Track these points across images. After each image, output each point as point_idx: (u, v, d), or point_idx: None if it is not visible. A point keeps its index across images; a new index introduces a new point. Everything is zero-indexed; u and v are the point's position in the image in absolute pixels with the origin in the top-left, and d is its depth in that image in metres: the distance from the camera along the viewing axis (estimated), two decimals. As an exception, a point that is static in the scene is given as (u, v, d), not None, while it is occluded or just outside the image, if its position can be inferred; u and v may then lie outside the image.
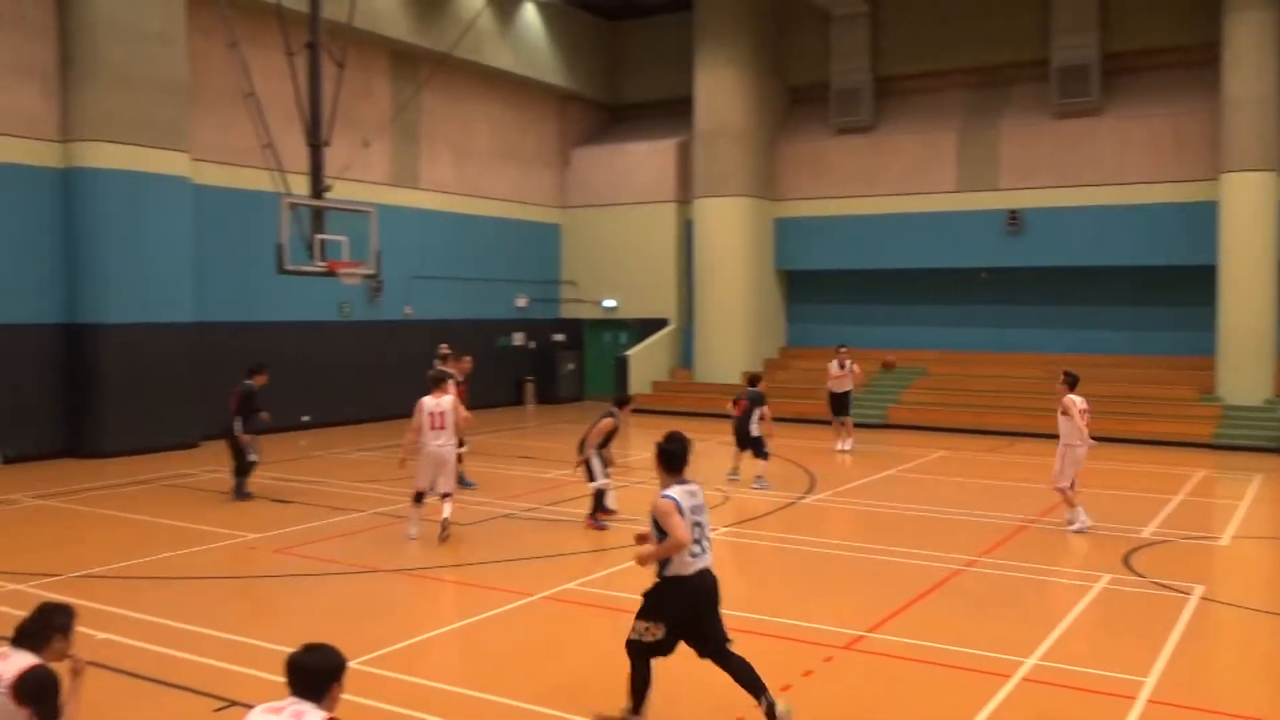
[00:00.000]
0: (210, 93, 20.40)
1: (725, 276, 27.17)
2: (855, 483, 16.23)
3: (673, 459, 6.50)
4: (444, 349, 16.82)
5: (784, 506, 14.38)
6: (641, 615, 6.55)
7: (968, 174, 25.86)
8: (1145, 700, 7.16)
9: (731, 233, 27.16)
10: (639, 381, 27.22)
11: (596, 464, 12.74)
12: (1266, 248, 21.90)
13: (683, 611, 6.51)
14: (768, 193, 27.98)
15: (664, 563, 6.36)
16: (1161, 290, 24.36)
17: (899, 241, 26.33)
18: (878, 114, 27.22)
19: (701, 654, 6.61)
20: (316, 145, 18.54)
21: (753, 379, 16.65)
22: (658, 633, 6.48)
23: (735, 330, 27.36)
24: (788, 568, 11.42)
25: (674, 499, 6.29)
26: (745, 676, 6.50)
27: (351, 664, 5.16)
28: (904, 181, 26.47)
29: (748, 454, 16.02)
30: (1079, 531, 12.56)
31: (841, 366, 19.97)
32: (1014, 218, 24.98)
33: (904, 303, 27.29)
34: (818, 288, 28.56)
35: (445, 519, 11.77)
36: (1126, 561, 11.22)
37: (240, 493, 14.47)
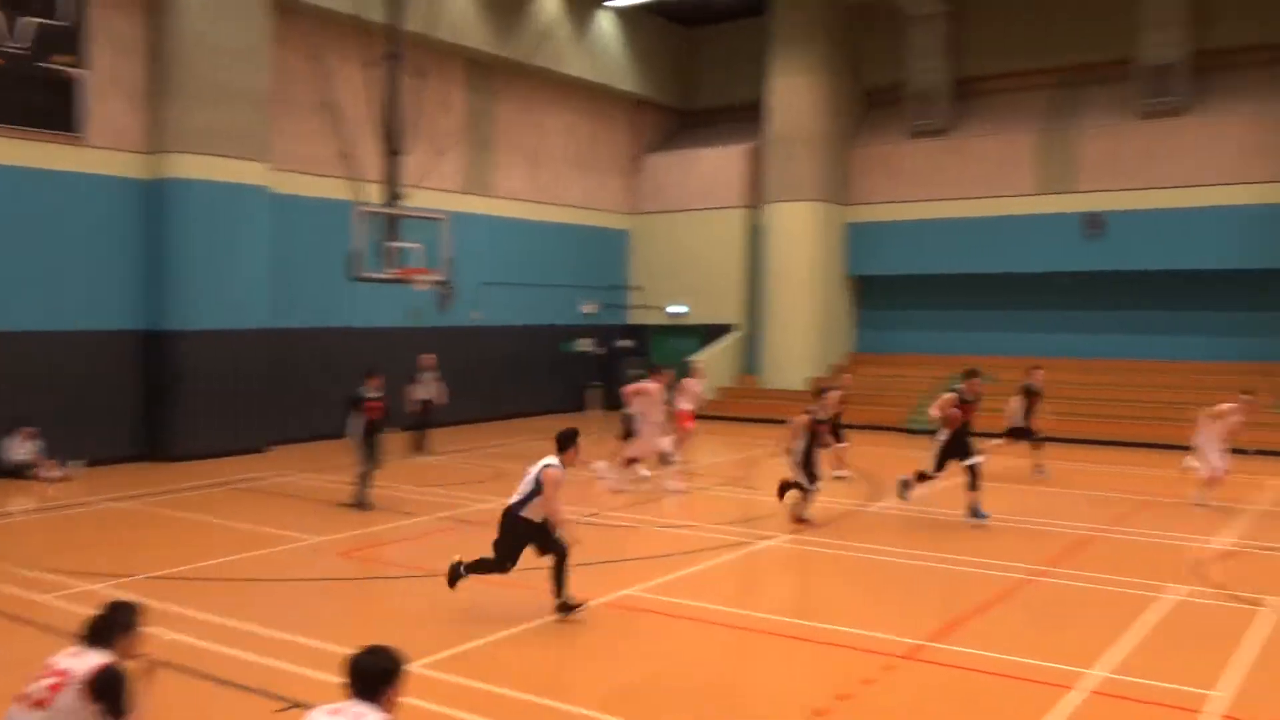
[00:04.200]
0: (291, 103, 20.90)
1: (795, 282, 27.05)
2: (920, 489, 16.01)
3: None
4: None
5: (846, 513, 14.27)
6: None
7: (1047, 176, 25.38)
8: (1215, 715, 7.00)
9: (802, 238, 27.03)
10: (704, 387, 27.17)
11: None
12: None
13: None
14: (840, 197, 27.78)
15: None
16: (1247, 295, 23.64)
17: (974, 246, 25.93)
18: (954, 116, 26.86)
19: None
20: (393, 154, 18.96)
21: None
22: None
23: (804, 336, 27.22)
24: (849, 575, 11.34)
25: None
26: None
27: (412, 666, 5.27)
28: (980, 184, 26.07)
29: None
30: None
31: None
32: (1094, 221, 24.44)
33: (978, 308, 26.86)
34: (890, 293, 28.26)
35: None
36: (1199, 572, 10.94)
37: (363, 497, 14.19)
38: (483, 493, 15.55)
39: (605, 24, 27.93)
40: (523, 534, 9.08)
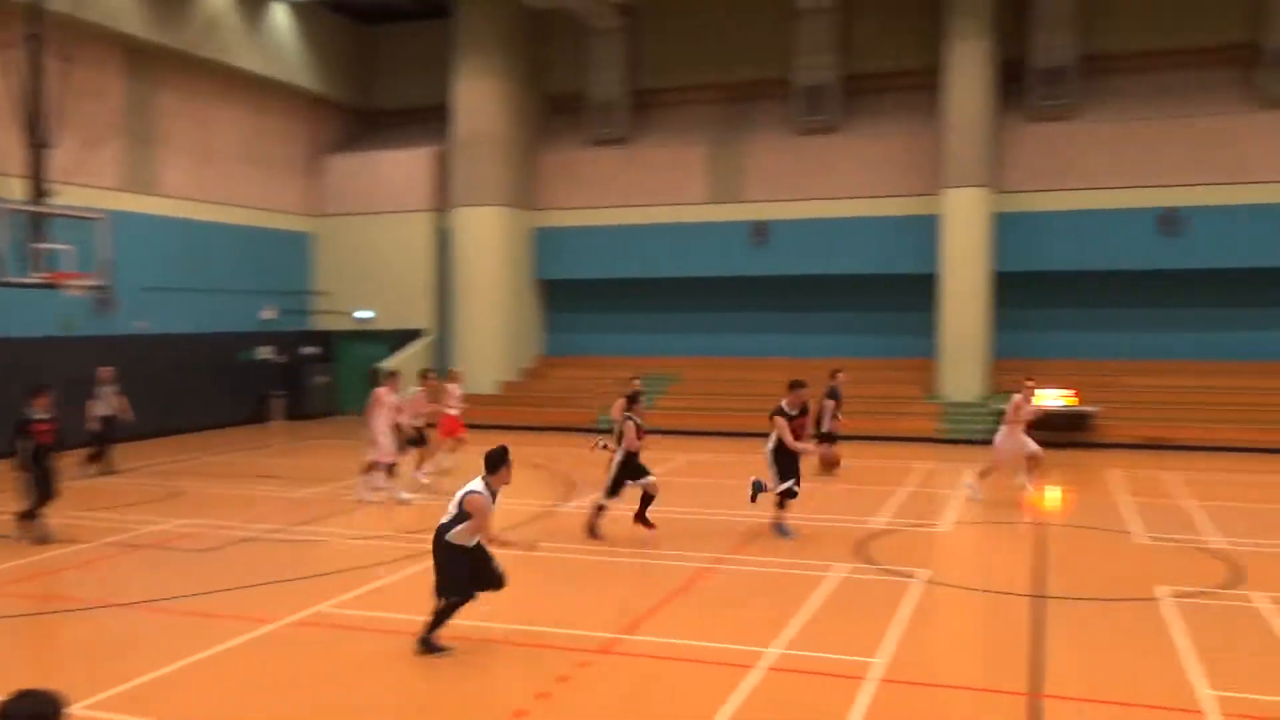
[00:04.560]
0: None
1: (483, 286, 27.11)
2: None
3: None
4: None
5: (543, 514, 14.49)
6: None
7: (717, 186, 26.92)
8: (876, 679, 7.71)
9: (490, 242, 27.13)
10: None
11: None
12: (978, 258, 24.05)
13: None
14: (526, 202, 28.11)
15: None
16: (892, 297, 26.19)
17: (653, 251, 27.08)
18: (633, 126, 27.88)
19: None
20: (37, 146, 17.25)
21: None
22: None
23: (494, 340, 27.35)
24: (543, 575, 11.50)
25: None
26: None
27: (77, 708, 4.84)
28: (657, 193, 27.24)
29: None
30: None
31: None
32: (759, 229, 26.21)
33: (659, 311, 28.07)
34: (577, 297, 28.93)
35: None
36: (860, 550, 12.03)
37: (31, 533, 12.54)
38: (154, 514, 14.44)
39: (279, 17, 26.71)
40: (457, 559, 8.36)
